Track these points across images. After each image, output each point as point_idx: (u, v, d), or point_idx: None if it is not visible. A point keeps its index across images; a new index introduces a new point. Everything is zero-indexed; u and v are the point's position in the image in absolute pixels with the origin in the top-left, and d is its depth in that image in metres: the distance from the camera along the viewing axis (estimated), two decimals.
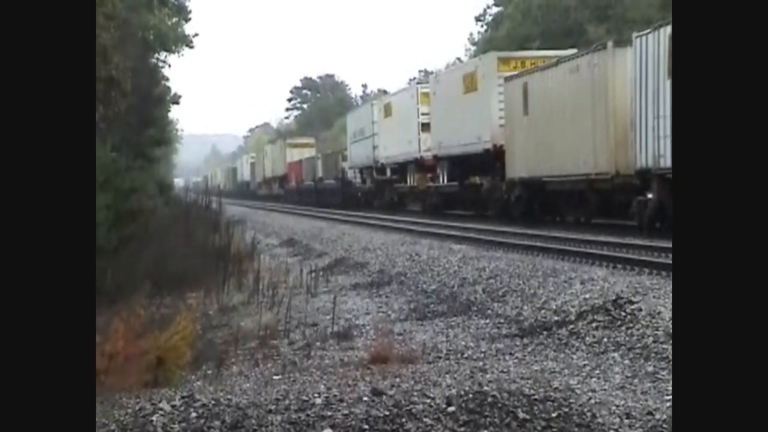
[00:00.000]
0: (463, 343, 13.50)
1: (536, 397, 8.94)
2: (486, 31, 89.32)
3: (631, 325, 12.93)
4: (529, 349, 12.82)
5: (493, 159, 38.01)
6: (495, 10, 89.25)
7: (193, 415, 8.61)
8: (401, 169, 53.65)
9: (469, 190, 41.94)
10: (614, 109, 28.05)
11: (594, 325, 13.38)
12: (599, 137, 28.80)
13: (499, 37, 68.81)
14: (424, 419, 8.48)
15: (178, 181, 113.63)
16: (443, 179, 45.25)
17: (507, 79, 36.71)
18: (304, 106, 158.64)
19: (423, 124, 48.51)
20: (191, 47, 52.95)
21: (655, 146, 25.15)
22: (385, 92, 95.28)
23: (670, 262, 18.33)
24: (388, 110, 56.08)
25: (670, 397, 9.51)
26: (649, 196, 25.94)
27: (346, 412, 8.60)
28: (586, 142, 29.54)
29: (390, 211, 51.74)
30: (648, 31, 25.90)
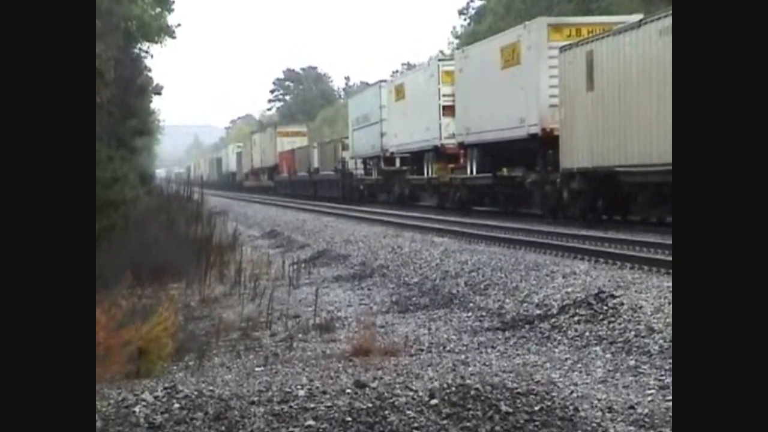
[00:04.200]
0: (446, 336, 13.51)
1: (519, 390, 8.95)
2: (469, 24, 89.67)
3: (612, 319, 12.96)
4: (512, 342, 12.83)
5: (540, 146, 31.91)
6: (478, 3, 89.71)
7: (176, 406, 8.60)
8: (416, 158, 47.41)
9: (507, 184, 35.40)
10: None
11: (576, 318, 13.39)
12: None
13: (482, 30, 68.71)
14: (407, 412, 8.48)
15: (160, 172, 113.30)
16: (472, 170, 38.98)
17: (563, 49, 29.97)
18: (287, 97, 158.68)
19: (445, 107, 42.33)
20: (173, 38, 52.78)
21: None
22: (367, 84, 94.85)
23: (652, 256, 18.39)
24: (399, 92, 49.72)
25: (652, 391, 9.54)
26: None
27: (329, 404, 8.60)
28: None
29: (399, 206, 46.93)
30: None
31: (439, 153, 43.29)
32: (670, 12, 23.67)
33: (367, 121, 55.80)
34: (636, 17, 28.44)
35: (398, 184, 50.77)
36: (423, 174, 46.09)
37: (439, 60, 49.52)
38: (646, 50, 24.86)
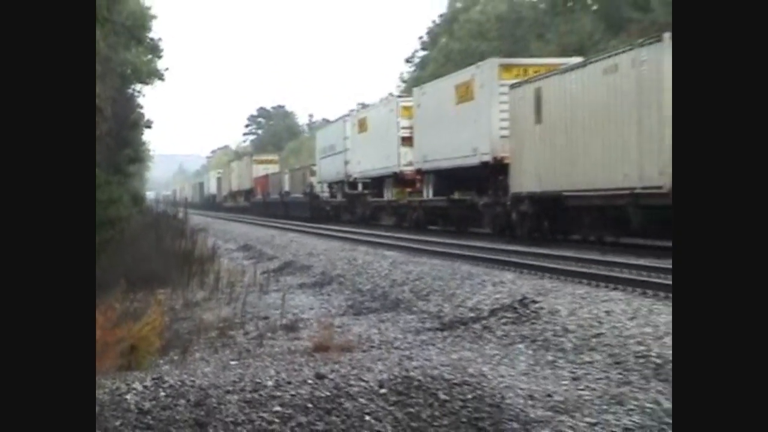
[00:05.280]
0: (393, 335, 13.49)
1: (455, 381, 8.95)
2: (414, 71, 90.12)
3: (534, 321, 13.00)
4: (449, 340, 12.83)
5: (492, 172, 30.95)
6: (422, 53, 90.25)
7: (162, 394, 8.55)
8: (377, 183, 46.47)
9: (459, 206, 34.43)
10: (670, 113, 19.14)
11: (503, 320, 13.43)
12: (648, 146, 21.11)
13: (426, 75, 68.93)
14: (360, 399, 8.46)
15: (150, 194, 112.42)
16: (428, 193, 38.23)
17: (513, 86, 29.10)
18: (259, 131, 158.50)
19: (403, 138, 41.59)
20: (162, 80, 52.78)
21: None
22: (327, 121, 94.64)
23: (567, 268, 18.45)
24: (362, 125, 48.97)
25: (566, 381, 9.59)
26: None
27: (293, 392, 8.57)
28: (627, 152, 22.08)
29: (361, 225, 45.62)
30: None
31: (398, 178, 42.67)
32: (613, 53, 23.64)
33: (333, 151, 55.00)
34: (577, 59, 28.20)
35: (360, 206, 49.86)
36: (383, 197, 45.39)
37: (398, 96, 48.99)
38: (589, 88, 24.28)
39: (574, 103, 25.01)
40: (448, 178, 35.49)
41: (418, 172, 39.18)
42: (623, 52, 22.81)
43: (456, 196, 34.48)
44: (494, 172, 30.72)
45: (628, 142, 22.08)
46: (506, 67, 31.18)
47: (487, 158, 30.93)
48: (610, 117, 22.99)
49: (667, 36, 20.51)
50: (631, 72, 21.97)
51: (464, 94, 33.47)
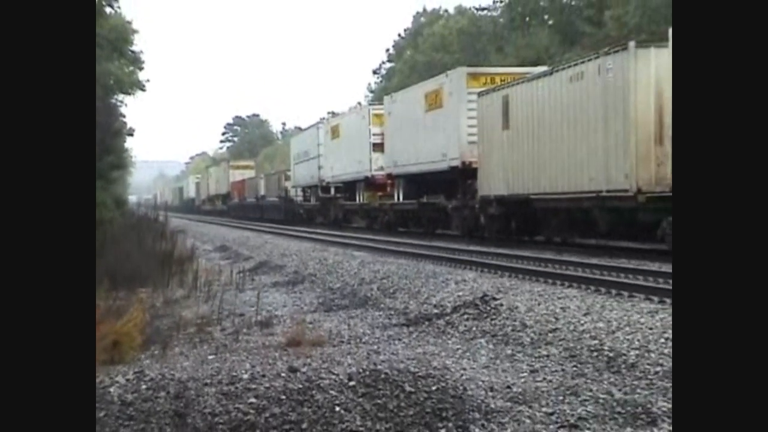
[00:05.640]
0: (361, 330, 13.48)
1: (420, 374, 8.96)
2: (381, 81, 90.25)
3: (494, 316, 13.03)
4: (414, 335, 12.84)
5: (460, 176, 30.54)
6: (388, 65, 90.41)
7: (144, 387, 8.52)
8: (349, 187, 46.14)
9: (429, 209, 33.92)
10: (635, 119, 19.96)
11: (465, 316, 13.45)
12: (614, 151, 20.74)
13: (392, 86, 68.99)
14: (330, 391, 8.47)
15: (132, 198, 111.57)
16: (398, 197, 37.76)
17: (481, 93, 28.60)
18: (235, 139, 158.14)
19: (374, 144, 41.25)
20: (144, 90, 52.49)
21: None
22: (300, 129, 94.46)
23: (525, 267, 18.52)
24: (335, 132, 48.45)
25: (525, 374, 9.62)
26: None
27: (267, 385, 8.57)
28: (594, 156, 21.64)
29: (333, 227, 45.06)
30: None
31: (369, 182, 42.18)
32: (579, 61, 23.05)
33: (306, 156, 54.50)
34: (542, 68, 27.92)
35: (333, 209, 49.41)
36: (355, 200, 44.92)
37: (369, 104, 48.84)
38: (555, 94, 23.64)
39: (541, 109, 24.51)
40: (418, 183, 35.18)
41: (389, 176, 38.84)
42: (589, 60, 22.25)
43: (425, 199, 34.30)
44: (463, 176, 30.37)
45: (594, 146, 21.67)
46: (474, 76, 30.79)
47: (455, 163, 30.60)
48: (577, 123, 22.54)
49: (632, 44, 20.35)
50: (597, 79, 21.54)
51: (433, 101, 33.07)
